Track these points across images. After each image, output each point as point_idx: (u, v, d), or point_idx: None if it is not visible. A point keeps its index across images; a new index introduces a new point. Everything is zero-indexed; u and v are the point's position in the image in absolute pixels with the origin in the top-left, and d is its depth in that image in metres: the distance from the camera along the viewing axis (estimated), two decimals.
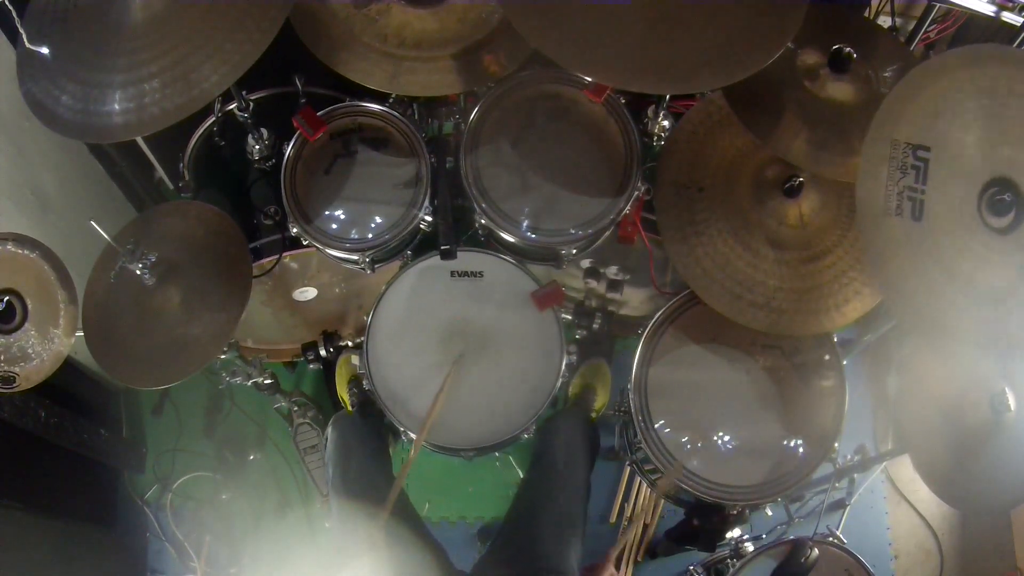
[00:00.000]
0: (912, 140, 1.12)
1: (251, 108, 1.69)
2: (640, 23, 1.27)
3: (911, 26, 1.82)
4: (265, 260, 1.72)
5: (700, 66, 1.26)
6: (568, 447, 1.66)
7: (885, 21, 2.01)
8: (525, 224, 1.60)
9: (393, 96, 1.69)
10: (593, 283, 1.98)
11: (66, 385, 2.06)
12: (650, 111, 1.74)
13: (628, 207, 1.59)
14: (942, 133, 1.12)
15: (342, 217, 1.66)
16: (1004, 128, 1.11)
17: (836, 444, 1.57)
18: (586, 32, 1.28)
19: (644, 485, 2.15)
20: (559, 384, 1.61)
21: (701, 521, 1.73)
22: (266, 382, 1.99)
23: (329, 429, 1.75)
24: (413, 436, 1.59)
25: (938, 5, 1.60)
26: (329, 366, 2.26)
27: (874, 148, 1.14)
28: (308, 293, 2.00)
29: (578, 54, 1.28)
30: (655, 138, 1.73)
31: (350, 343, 2.19)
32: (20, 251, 1.49)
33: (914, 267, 1.13)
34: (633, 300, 2.09)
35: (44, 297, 1.48)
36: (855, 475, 1.84)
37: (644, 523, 2.21)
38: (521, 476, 2.26)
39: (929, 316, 1.13)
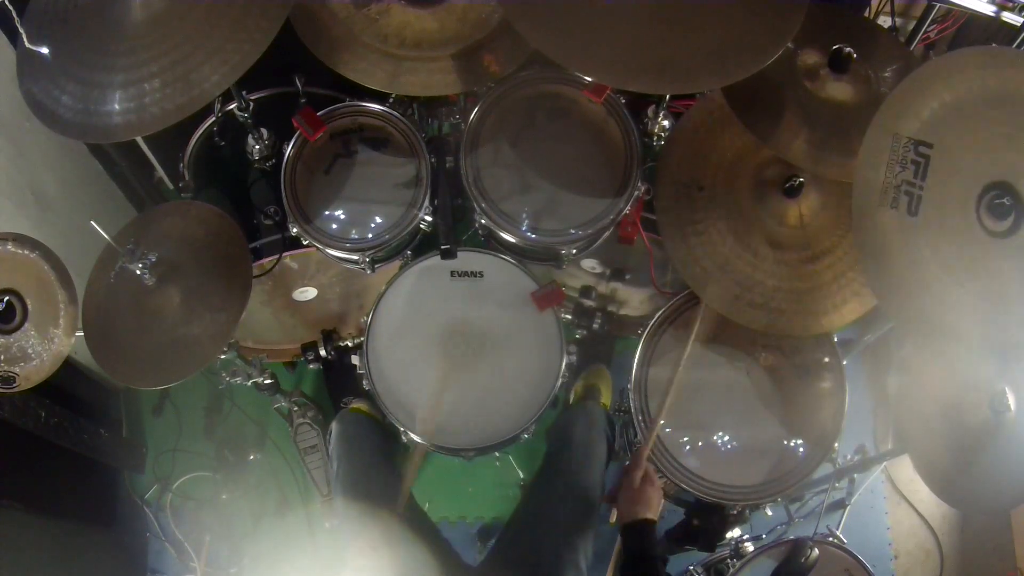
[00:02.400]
0: (915, 135, 1.12)
1: (251, 108, 1.69)
2: (640, 23, 1.27)
3: (911, 26, 1.83)
4: (265, 260, 1.72)
5: (700, 66, 1.26)
6: (583, 446, 1.65)
7: (885, 21, 2.01)
8: (525, 224, 1.60)
9: (393, 96, 1.69)
10: (591, 291, 1.98)
11: (66, 385, 2.06)
12: (650, 111, 1.74)
13: (628, 207, 1.59)
14: (946, 132, 1.12)
15: (342, 217, 1.66)
16: (1008, 132, 1.11)
17: (836, 444, 1.57)
18: (586, 32, 1.28)
19: None
20: (559, 384, 1.61)
21: (701, 521, 1.73)
22: (266, 382, 1.99)
23: (334, 424, 1.75)
24: (413, 436, 1.59)
25: (938, 5, 1.60)
26: (329, 366, 2.26)
27: (875, 139, 1.14)
28: (308, 293, 2.00)
29: (578, 54, 1.28)
30: (655, 138, 1.72)
31: (350, 343, 2.19)
32: (20, 251, 1.49)
33: (905, 261, 1.13)
34: (633, 300, 2.09)
35: (44, 297, 1.48)
36: (855, 475, 1.84)
37: None
38: (521, 476, 2.26)
39: (929, 317, 1.13)
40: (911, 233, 1.13)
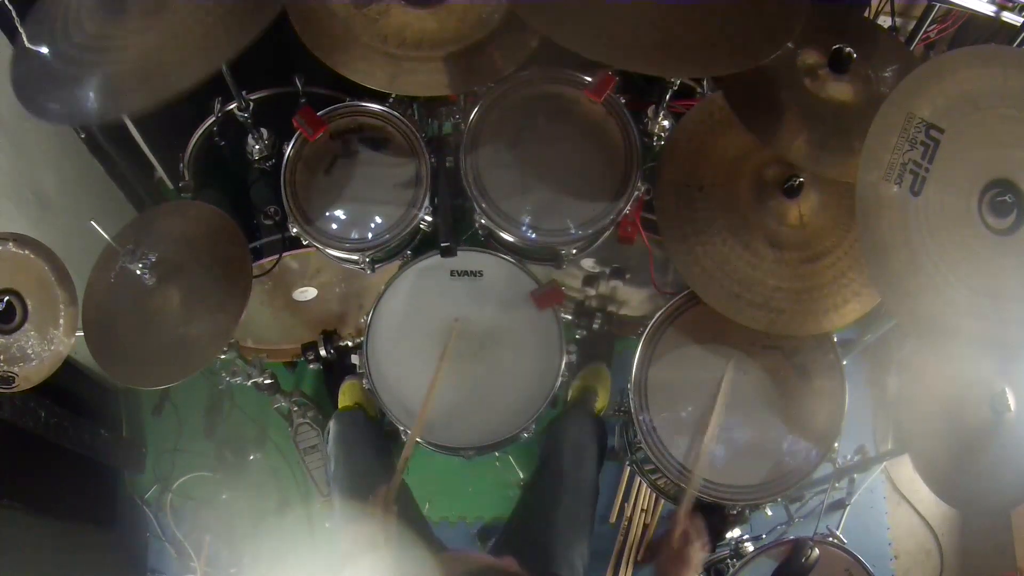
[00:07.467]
0: (928, 118, 1.13)
1: (251, 108, 1.69)
2: (647, 8, 1.26)
3: (911, 26, 1.82)
4: (265, 260, 1.72)
5: (713, 50, 1.25)
6: (576, 448, 1.65)
7: (885, 21, 2.01)
8: (525, 224, 1.60)
9: (393, 96, 1.69)
10: (591, 291, 1.98)
11: (66, 385, 2.06)
12: (650, 111, 1.74)
13: (628, 207, 1.59)
14: (959, 121, 1.12)
15: (342, 217, 1.66)
16: (1016, 131, 1.11)
17: (836, 444, 1.57)
18: (593, 16, 1.27)
19: (644, 485, 2.16)
20: (559, 384, 1.61)
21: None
22: (266, 382, 1.99)
23: (331, 424, 1.75)
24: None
25: (938, 5, 1.60)
26: (329, 366, 2.26)
27: (889, 115, 1.14)
28: (308, 293, 2.00)
29: (584, 38, 1.26)
30: (655, 138, 1.72)
31: (350, 343, 2.19)
32: (20, 251, 1.49)
33: (903, 239, 1.13)
34: (633, 300, 2.09)
35: (44, 297, 1.48)
36: (855, 475, 1.84)
37: (644, 523, 2.22)
38: (521, 476, 2.26)
39: (928, 312, 1.13)
40: (912, 212, 1.13)
